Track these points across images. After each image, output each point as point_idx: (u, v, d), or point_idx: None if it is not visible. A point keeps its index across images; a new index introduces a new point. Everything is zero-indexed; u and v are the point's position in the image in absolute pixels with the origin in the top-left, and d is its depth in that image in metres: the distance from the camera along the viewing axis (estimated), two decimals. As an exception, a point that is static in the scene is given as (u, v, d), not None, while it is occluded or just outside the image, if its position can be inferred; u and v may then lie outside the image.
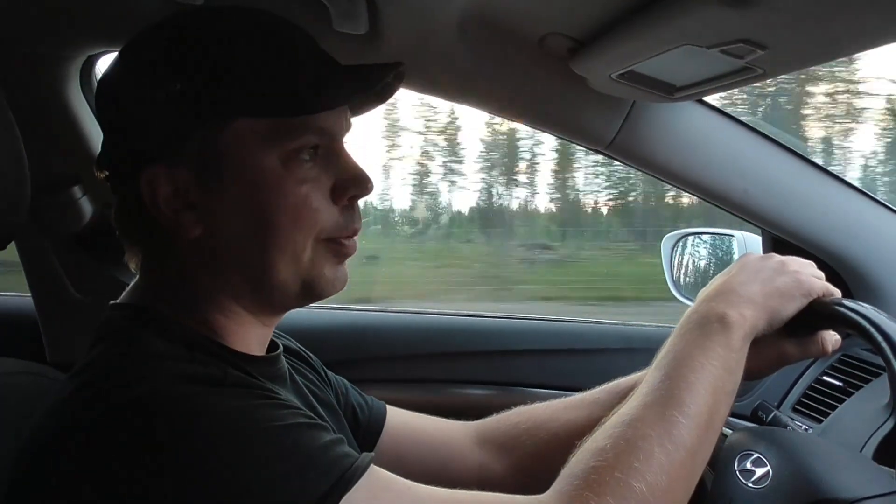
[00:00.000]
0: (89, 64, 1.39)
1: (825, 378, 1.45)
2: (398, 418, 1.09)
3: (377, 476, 0.67)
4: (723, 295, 0.87)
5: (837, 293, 0.92)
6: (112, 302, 0.81)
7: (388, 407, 1.10)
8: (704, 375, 0.78)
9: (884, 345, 0.80)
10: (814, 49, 0.90)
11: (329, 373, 1.07)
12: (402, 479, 0.69)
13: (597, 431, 0.77)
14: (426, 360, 1.68)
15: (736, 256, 1.64)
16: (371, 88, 0.78)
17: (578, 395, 1.12)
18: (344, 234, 0.80)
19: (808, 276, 0.91)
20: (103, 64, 1.39)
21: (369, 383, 1.63)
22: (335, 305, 1.79)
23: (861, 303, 0.87)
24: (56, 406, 0.69)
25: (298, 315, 1.71)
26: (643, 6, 0.94)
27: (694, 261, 1.82)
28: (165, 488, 0.60)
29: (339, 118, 0.80)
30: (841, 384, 1.40)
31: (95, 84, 1.40)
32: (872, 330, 0.81)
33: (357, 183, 0.79)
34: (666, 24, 0.90)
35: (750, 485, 0.90)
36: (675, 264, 1.80)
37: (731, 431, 1.04)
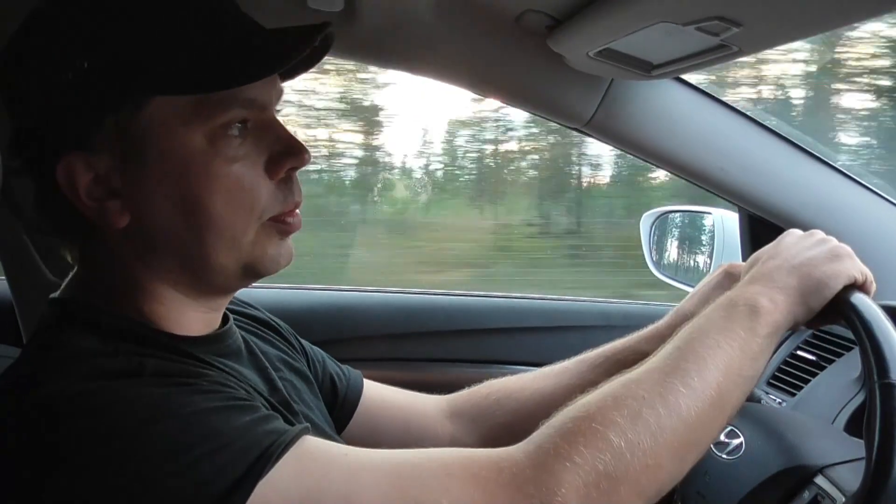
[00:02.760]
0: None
1: (799, 353, 1.47)
2: (374, 391, 1.09)
3: (307, 449, 0.64)
4: (761, 282, 0.82)
5: (868, 276, 0.86)
6: (51, 296, 0.77)
7: (364, 379, 1.10)
8: (719, 354, 0.73)
9: (846, 309, 0.81)
10: (788, 26, 0.91)
11: (304, 343, 1.05)
12: (340, 446, 0.67)
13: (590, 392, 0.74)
14: (407, 339, 1.70)
15: (715, 234, 1.65)
16: (298, 54, 0.70)
17: (548, 366, 1.11)
18: (286, 210, 0.76)
19: (849, 262, 0.85)
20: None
21: (350, 362, 1.64)
22: (316, 286, 1.79)
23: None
24: None
25: (279, 295, 1.73)
26: (620, -17, 0.94)
27: (672, 238, 1.84)
28: (74, 485, 0.58)
29: (267, 87, 0.74)
30: (814, 358, 1.42)
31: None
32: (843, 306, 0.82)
33: (292, 154, 0.74)
34: (642, 0, 0.90)
35: (724, 456, 0.93)
36: (654, 242, 1.82)
37: None
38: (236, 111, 0.71)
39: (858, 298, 0.81)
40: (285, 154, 0.74)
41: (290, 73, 0.80)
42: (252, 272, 0.76)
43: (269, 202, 0.74)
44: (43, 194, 0.73)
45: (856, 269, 0.83)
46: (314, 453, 0.65)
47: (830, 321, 0.85)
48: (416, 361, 1.68)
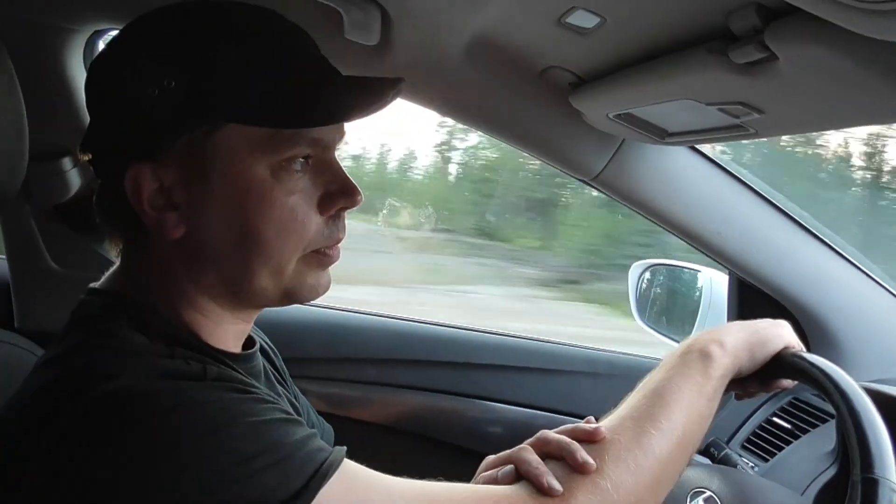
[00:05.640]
0: (94, 39, 1.39)
1: (775, 419, 1.51)
2: None
3: (351, 469, 0.68)
4: (709, 333, 0.92)
5: (802, 347, 0.97)
6: (92, 285, 0.80)
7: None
8: (680, 397, 0.82)
9: (835, 395, 0.84)
10: (806, 119, 0.95)
11: (295, 388, 1.07)
12: (372, 471, 0.70)
13: None
14: (394, 365, 1.71)
15: (703, 292, 1.69)
16: (372, 105, 0.75)
17: None
18: (327, 245, 0.79)
19: (788, 329, 0.97)
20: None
21: (338, 382, 1.67)
22: (310, 303, 1.80)
23: (816, 356, 0.92)
24: (31, 397, 0.68)
25: (273, 310, 1.72)
26: (650, 57, 0.98)
27: (659, 291, 1.87)
28: (140, 482, 0.60)
29: (333, 129, 0.78)
30: (789, 426, 1.46)
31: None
32: (828, 384, 0.86)
33: (346, 195, 0.78)
34: (670, 78, 0.94)
35: (703, 522, 0.95)
36: (641, 293, 1.86)
37: None
38: (302, 148, 0.74)
39: (801, 353, 0.92)
40: (339, 194, 0.78)
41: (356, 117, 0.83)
42: (291, 298, 0.80)
43: (316, 236, 0.77)
44: (106, 192, 0.77)
45: (792, 336, 0.96)
46: (357, 475, 0.68)
47: (779, 375, 0.96)
48: (402, 388, 1.69)
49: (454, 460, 1.55)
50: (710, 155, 1.40)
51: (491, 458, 0.88)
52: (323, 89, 0.75)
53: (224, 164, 0.72)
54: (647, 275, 1.88)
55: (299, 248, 0.77)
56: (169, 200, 0.73)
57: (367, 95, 0.76)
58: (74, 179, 1.47)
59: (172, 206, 0.74)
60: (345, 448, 0.71)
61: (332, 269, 0.83)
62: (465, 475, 0.86)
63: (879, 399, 0.86)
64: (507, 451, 0.85)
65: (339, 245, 0.82)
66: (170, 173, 0.73)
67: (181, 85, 0.70)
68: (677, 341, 1.43)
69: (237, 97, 0.71)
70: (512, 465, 0.81)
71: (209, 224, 0.74)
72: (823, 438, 1.30)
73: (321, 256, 0.79)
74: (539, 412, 1.69)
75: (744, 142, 1.11)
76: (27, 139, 0.91)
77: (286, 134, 0.73)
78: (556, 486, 0.73)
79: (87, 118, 1.32)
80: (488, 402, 1.71)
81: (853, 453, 0.78)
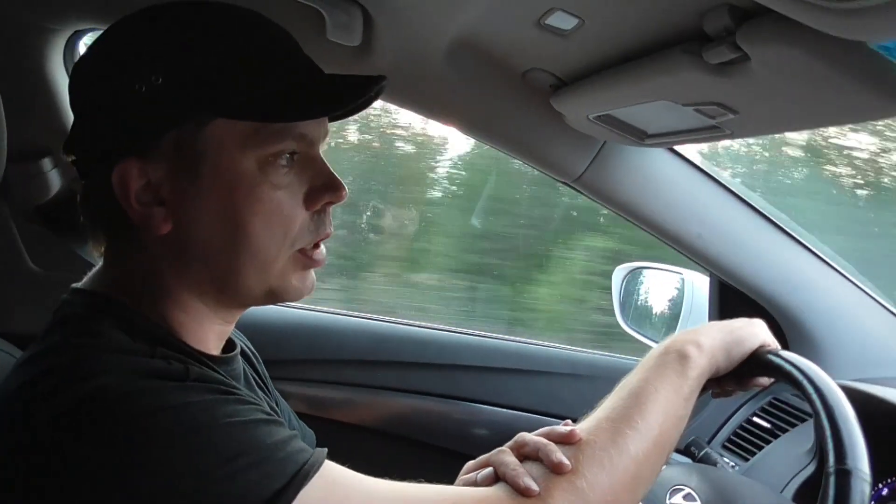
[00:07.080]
0: (75, 39, 1.39)
1: (755, 419, 1.53)
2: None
3: (331, 470, 0.68)
4: (686, 334, 0.93)
5: (777, 346, 0.98)
6: (74, 285, 0.80)
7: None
8: (657, 397, 0.82)
9: (809, 390, 0.85)
10: (779, 119, 0.97)
11: (276, 392, 1.07)
12: (353, 472, 0.71)
13: None
14: (377, 367, 1.71)
15: (684, 295, 1.71)
16: (356, 100, 0.77)
17: None
18: (315, 241, 0.80)
19: (764, 328, 0.98)
20: (89, 41, 1.39)
21: (320, 384, 1.67)
22: (292, 305, 1.80)
23: (793, 354, 0.93)
24: (12, 394, 0.68)
25: (253, 311, 1.71)
26: (628, 58, 0.99)
27: (642, 294, 1.89)
28: (122, 481, 0.60)
29: (318, 125, 0.79)
30: (769, 426, 1.47)
31: (78, 61, 1.39)
32: (803, 379, 0.87)
33: (331, 190, 0.79)
34: (648, 79, 0.95)
35: (680, 518, 0.96)
36: (624, 295, 1.87)
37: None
38: (288, 143, 0.76)
39: (777, 351, 0.92)
40: (324, 189, 0.79)
41: (340, 116, 0.86)
42: (275, 297, 0.81)
43: (302, 231, 0.78)
44: (92, 191, 0.77)
45: (767, 334, 0.97)
46: (338, 476, 0.69)
47: (755, 374, 0.96)
48: (383, 390, 1.70)
49: (436, 462, 1.55)
50: (689, 158, 1.42)
51: (471, 462, 0.89)
52: (308, 85, 0.77)
53: (212, 159, 0.73)
54: (630, 278, 1.89)
55: (286, 244, 0.77)
56: (156, 196, 0.74)
57: (351, 92, 0.77)
58: (55, 180, 1.47)
59: (160, 202, 0.74)
60: (326, 449, 0.71)
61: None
62: (447, 477, 0.86)
63: (854, 396, 0.87)
64: (486, 455, 0.85)
65: (323, 249, 0.82)
66: (157, 169, 0.73)
67: (169, 80, 0.71)
68: (659, 343, 1.45)
69: (224, 92, 0.72)
70: (491, 468, 0.81)
71: (197, 219, 0.75)
72: (802, 437, 1.31)
73: (306, 259, 0.80)
74: (521, 413, 1.70)
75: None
76: (6, 139, 0.90)
77: (273, 128, 0.74)
78: (533, 486, 0.73)
79: (68, 118, 1.34)
80: (470, 404, 1.71)
81: (827, 445, 0.79)
